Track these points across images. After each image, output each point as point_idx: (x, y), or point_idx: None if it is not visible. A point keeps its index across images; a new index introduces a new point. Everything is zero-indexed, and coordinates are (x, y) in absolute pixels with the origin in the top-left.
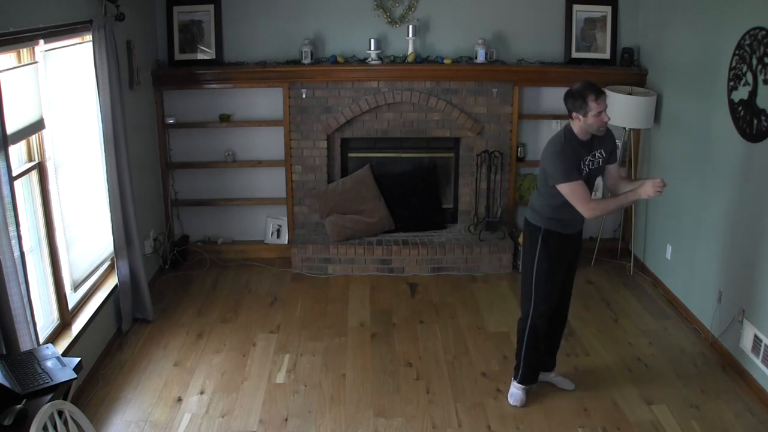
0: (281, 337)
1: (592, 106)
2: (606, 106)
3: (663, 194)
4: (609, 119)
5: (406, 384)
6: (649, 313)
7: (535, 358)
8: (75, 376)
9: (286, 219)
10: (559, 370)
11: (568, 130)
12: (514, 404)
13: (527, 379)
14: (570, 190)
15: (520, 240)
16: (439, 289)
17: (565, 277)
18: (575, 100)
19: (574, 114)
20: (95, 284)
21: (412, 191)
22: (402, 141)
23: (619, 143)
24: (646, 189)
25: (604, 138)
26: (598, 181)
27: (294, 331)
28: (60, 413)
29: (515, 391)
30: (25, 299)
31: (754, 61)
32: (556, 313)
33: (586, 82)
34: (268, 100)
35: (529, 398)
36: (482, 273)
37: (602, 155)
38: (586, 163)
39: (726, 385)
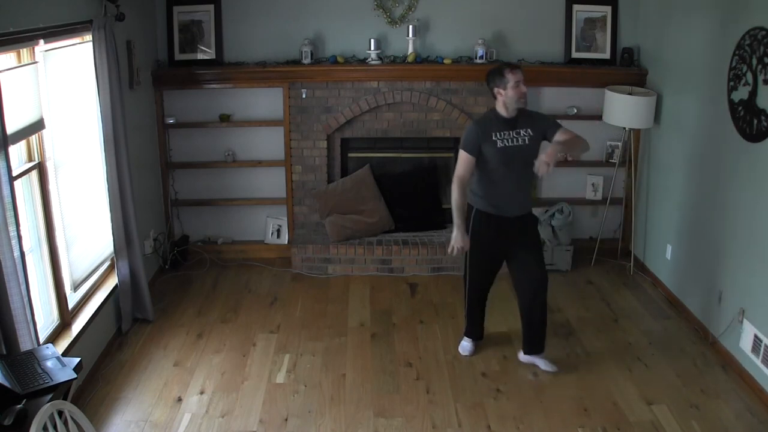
0: (281, 337)
1: (509, 77)
2: (522, 78)
3: (663, 194)
4: (526, 90)
5: (406, 384)
6: (649, 313)
7: (474, 316)
8: (75, 376)
9: (286, 219)
10: (559, 370)
11: (491, 109)
12: (463, 354)
13: (471, 333)
14: (460, 158)
15: None
16: (439, 289)
17: (494, 259)
18: (494, 77)
19: (496, 90)
20: (95, 284)
21: (412, 191)
22: (402, 141)
23: (618, 144)
24: (457, 240)
25: (531, 117)
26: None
27: (294, 331)
28: (60, 413)
29: (464, 343)
30: (25, 299)
31: (754, 61)
32: (531, 299)
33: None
34: (268, 100)
35: (529, 398)
36: None
37: (528, 134)
38: (503, 137)
39: (726, 385)
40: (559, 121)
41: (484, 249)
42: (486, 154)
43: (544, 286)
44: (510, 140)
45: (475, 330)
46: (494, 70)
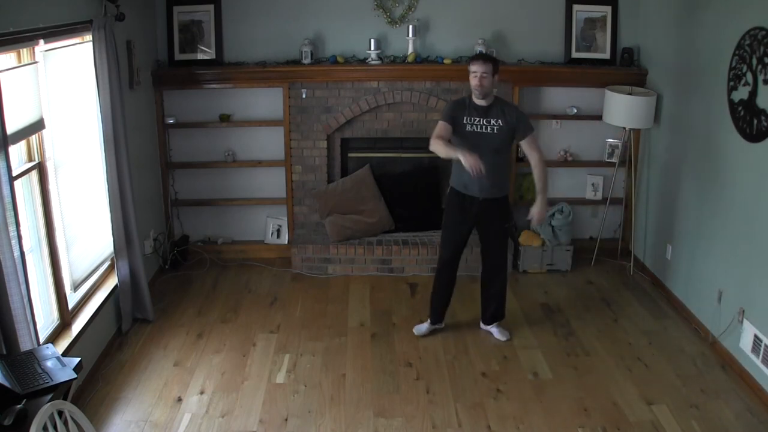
0: (281, 337)
1: (470, 68)
2: (481, 70)
3: (664, 194)
4: (480, 84)
5: (406, 384)
6: (649, 313)
7: (436, 299)
8: (75, 376)
9: (286, 219)
10: (559, 369)
11: (469, 94)
12: (415, 332)
13: (430, 316)
14: (437, 125)
15: (521, 240)
16: None
17: (461, 236)
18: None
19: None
20: (95, 284)
21: (412, 191)
22: (402, 141)
23: (617, 142)
24: (466, 158)
25: (505, 110)
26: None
27: (294, 331)
28: (60, 413)
29: (421, 324)
30: (25, 299)
31: (754, 61)
32: (489, 279)
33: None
34: (268, 100)
35: (529, 398)
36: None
37: (498, 124)
38: (474, 122)
39: (726, 385)
40: (557, 121)
41: (452, 223)
42: (455, 133)
43: (501, 270)
44: (478, 126)
45: (434, 312)
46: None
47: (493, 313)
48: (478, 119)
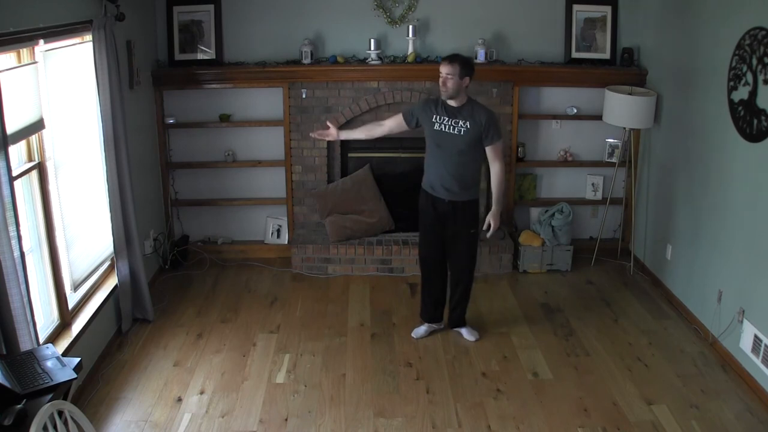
0: (281, 337)
1: (440, 68)
2: (445, 71)
3: (663, 194)
4: (444, 85)
5: (406, 384)
6: (649, 313)
7: (424, 296)
8: (75, 376)
9: (286, 219)
10: (559, 369)
11: None
12: (413, 336)
13: (421, 313)
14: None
15: (521, 240)
16: None
17: (437, 236)
18: None
19: None
20: (95, 284)
21: (412, 191)
22: (402, 141)
23: (617, 142)
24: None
25: (475, 114)
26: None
27: (294, 331)
28: (60, 413)
29: (419, 326)
30: (25, 299)
31: (754, 61)
32: (454, 283)
33: None
34: (268, 100)
35: (529, 398)
36: (482, 273)
37: (466, 127)
38: (441, 121)
39: (726, 385)
40: (557, 121)
41: (424, 223)
42: (425, 131)
43: (465, 274)
44: (446, 126)
45: (425, 310)
46: None
47: (456, 319)
48: (446, 119)
